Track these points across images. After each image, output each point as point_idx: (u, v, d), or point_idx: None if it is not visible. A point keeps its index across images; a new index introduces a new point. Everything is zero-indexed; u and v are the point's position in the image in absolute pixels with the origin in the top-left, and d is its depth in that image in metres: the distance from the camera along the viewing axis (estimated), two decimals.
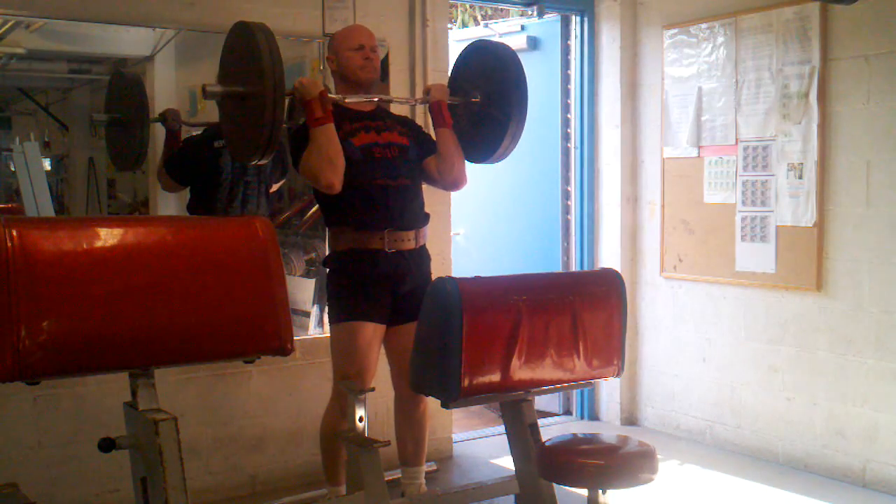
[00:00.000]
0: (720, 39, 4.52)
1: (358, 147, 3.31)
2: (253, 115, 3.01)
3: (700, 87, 4.64)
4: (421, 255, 3.45)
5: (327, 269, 3.45)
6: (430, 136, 3.61)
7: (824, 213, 4.14)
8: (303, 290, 4.44)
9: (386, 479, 3.00)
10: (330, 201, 3.34)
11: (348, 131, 3.32)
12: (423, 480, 3.60)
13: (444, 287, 2.54)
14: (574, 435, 2.73)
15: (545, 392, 2.79)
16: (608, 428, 5.03)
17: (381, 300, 3.34)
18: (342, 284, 3.34)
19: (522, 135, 3.69)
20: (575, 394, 5.29)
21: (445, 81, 3.86)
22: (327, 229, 3.50)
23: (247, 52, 3.00)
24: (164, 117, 3.88)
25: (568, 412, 5.37)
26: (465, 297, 2.48)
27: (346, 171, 3.23)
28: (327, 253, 3.49)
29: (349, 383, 3.19)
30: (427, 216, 3.50)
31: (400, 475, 3.62)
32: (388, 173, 3.35)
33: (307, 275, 4.48)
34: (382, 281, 3.33)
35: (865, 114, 3.99)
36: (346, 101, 3.39)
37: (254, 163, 3.10)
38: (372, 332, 3.32)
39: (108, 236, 2.24)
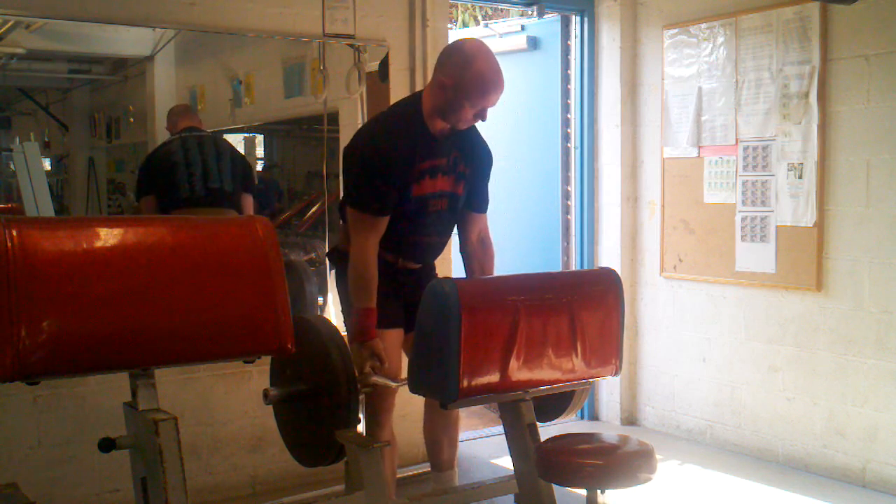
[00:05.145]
0: (720, 39, 4.52)
1: (414, 197, 3.04)
2: (322, 413, 2.82)
3: (700, 87, 4.64)
4: (430, 269, 3.34)
5: (335, 267, 3.29)
6: (487, 176, 3.29)
7: (824, 213, 4.14)
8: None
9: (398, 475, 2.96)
10: None
11: (416, 174, 3.03)
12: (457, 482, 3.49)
13: (442, 288, 2.53)
14: (572, 435, 2.73)
15: (544, 392, 2.79)
16: (608, 428, 5.02)
17: (397, 305, 3.19)
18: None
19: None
20: None
21: None
22: (341, 222, 3.27)
23: (306, 345, 2.80)
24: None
25: None
26: (463, 298, 2.48)
27: (392, 220, 3.04)
28: (334, 247, 3.30)
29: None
30: None
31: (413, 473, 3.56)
32: (432, 230, 3.17)
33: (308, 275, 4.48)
34: (396, 289, 3.19)
35: (865, 114, 3.98)
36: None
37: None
38: (397, 337, 3.18)
39: (107, 236, 2.24)
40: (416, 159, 3.01)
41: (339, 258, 3.22)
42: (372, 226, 3.01)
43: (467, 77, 2.90)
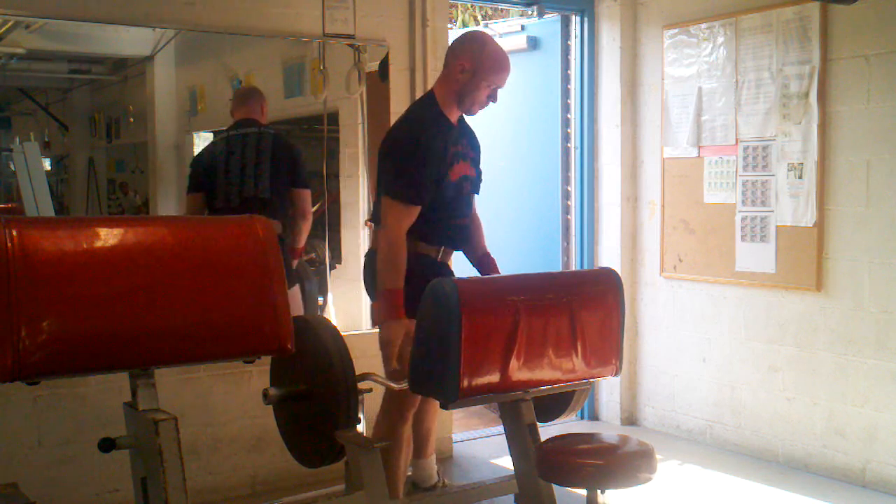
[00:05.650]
0: (720, 39, 4.52)
1: (453, 183, 3.29)
2: (321, 413, 2.84)
3: (700, 87, 4.64)
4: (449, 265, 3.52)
5: (370, 267, 3.38)
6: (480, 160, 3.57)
7: (824, 213, 4.14)
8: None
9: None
10: None
11: (451, 156, 3.28)
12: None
13: (442, 288, 2.53)
14: (573, 435, 2.73)
15: (544, 392, 2.79)
16: (608, 428, 5.02)
17: None
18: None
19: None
20: None
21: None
22: (373, 225, 3.44)
23: (306, 345, 2.81)
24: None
25: None
26: (463, 298, 2.48)
27: (432, 207, 3.23)
28: (369, 248, 3.47)
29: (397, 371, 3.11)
30: None
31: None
32: (464, 213, 3.42)
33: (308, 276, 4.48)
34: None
35: (865, 114, 3.98)
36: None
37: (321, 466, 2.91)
38: None
39: (107, 236, 2.24)
40: (448, 147, 3.28)
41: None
42: (407, 214, 3.19)
43: (484, 57, 3.26)
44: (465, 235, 3.48)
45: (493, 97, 3.33)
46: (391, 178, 3.22)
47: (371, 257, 3.39)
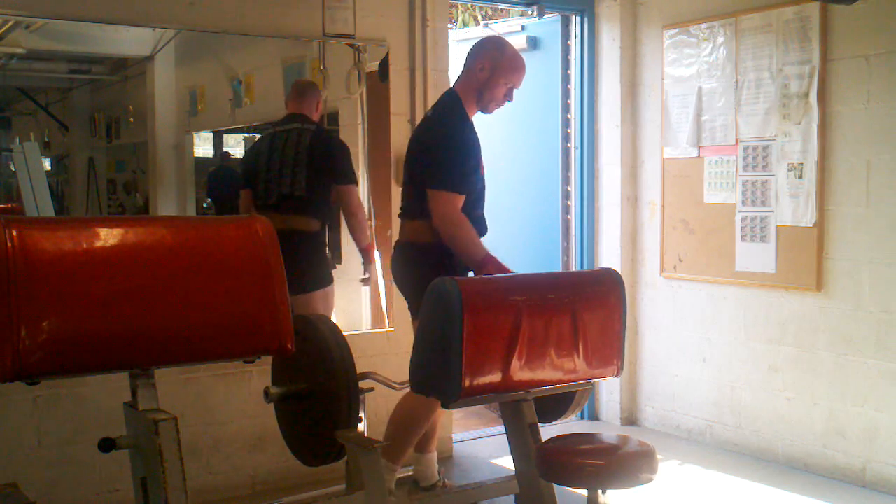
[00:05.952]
0: (720, 39, 4.52)
1: (481, 176, 3.52)
2: (322, 412, 2.83)
3: (700, 87, 4.64)
4: None
5: (402, 259, 3.51)
6: None
7: (824, 213, 4.14)
8: None
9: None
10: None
11: (478, 151, 3.51)
12: None
13: (444, 287, 2.53)
14: (573, 435, 2.73)
15: (545, 392, 2.79)
16: (608, 428, 5.02)
17: None
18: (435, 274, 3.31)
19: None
20: None
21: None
22: (403, 220, 3.55)
23: (307, 344, 2.81)
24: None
25: None
26: (465, 298, 2.48)
27: (465, 199, 3.42)
28: (398, 240, 3.57)
29: None
30: None
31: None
32: (484, 204, 3.61)
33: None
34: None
35: (865, 114, 3.98)
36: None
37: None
38: None
39: (108, 236, 2.24)
40: (476, 142, 3.49)
41: (416, 249, 3.45)
42: (458, 201, 3.39)
43: (503, 57, 3.48)
44: (486, 225, 3.60)
45: (509, 96, 3.52)
46: (437, 171, 3.38)
47: (402, 249, 3.53)
